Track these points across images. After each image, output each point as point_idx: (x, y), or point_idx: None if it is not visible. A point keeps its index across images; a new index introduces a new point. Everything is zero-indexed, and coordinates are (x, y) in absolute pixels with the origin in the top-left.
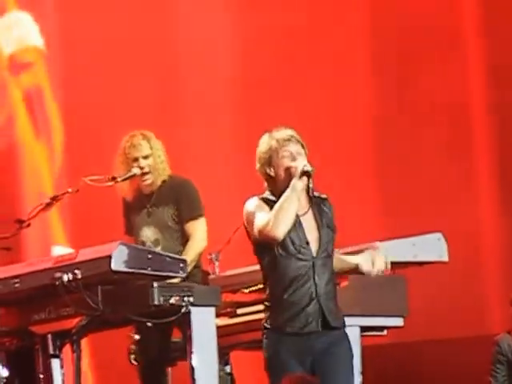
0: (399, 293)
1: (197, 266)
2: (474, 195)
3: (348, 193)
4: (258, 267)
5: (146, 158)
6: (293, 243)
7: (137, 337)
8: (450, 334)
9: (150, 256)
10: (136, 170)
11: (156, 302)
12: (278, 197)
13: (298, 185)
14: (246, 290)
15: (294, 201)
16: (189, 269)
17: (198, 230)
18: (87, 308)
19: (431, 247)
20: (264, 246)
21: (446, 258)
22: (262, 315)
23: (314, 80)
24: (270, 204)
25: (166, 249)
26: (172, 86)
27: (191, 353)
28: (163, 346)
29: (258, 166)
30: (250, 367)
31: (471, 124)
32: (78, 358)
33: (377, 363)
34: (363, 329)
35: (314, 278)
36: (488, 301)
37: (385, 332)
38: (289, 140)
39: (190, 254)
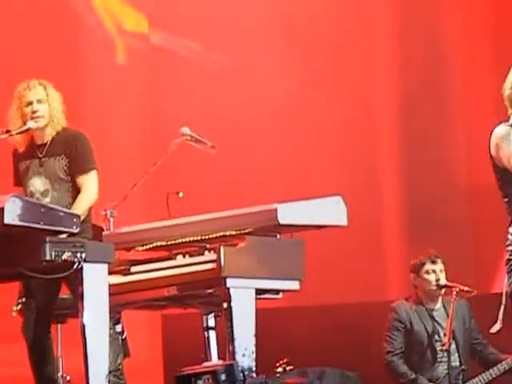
0: (296, 256)
1: (87, 221)
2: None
3: None
4: (153, 225)
5: (39, 102)
6: None
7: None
8: (347, 299)
9: (43, 210)
10: (31, 124)
11: (48, 257)
12: None
13: None
14: (141, 248)
15: None
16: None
17: (90, 183)
18: None
19: (330, 211)
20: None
21: (344, 222)
22: (156, 274)
23: None
24: None
25: (55, 200)
26: None
27: (82, 310)
28: (50, 302)
29: (508, 92)
30: (141, 327)
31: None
32: None
33: (271, 326)
34: (258, 291)
35: None
36: (387, 267)
37: (280, 295)
38: None
39: (80, 207)
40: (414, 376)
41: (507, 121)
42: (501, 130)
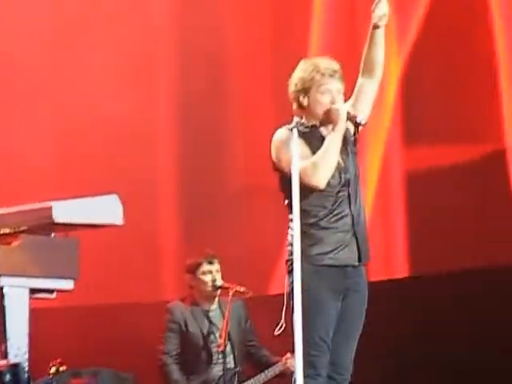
0: (70, 255)
1: None
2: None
3: None
4: None
5: None
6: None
7: None
8: (122, 299)
9: None
10: None
11: None
12: (310, 127)
13: (342, 131)
14: None
15: (337, 148)
16: None
17: None
18: None
19: (106, 209)
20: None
21: (120, 221)
22: None
23: None
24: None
25: None
26: None
27: None
28: None
29: (292, 89)
30: None
31: None
32: None
33: (45, 326)
34: (32, 291)
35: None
36: (163, 267)
37: (54, 295)
38: (332, 76)
39: None
40: None
41: (290, 123)
42: (282, 133)
